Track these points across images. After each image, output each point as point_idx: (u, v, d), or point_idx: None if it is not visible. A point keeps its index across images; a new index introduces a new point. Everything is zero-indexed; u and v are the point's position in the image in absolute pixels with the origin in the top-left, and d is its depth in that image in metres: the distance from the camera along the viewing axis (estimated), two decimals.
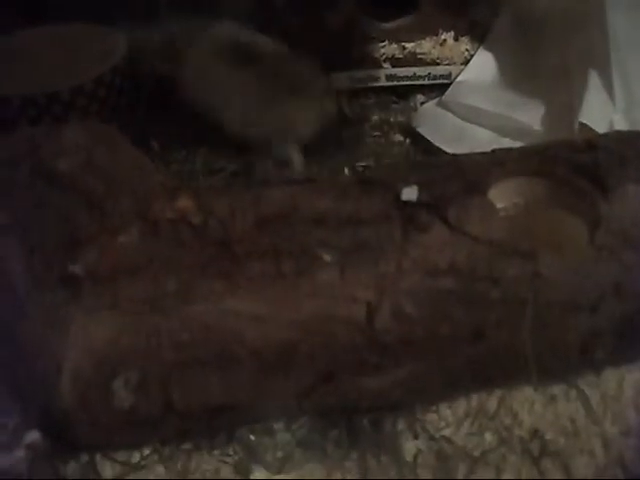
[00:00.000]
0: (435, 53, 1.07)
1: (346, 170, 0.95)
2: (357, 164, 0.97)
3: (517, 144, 0.98)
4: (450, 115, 1.02)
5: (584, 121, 0.93)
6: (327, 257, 0.60)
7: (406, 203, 0.64)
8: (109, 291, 0.57)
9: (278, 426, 0.64)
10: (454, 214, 0.62)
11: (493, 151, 0.72)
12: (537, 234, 0.70)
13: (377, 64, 1.06)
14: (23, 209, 0.66)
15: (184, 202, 0.62)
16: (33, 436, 0.61)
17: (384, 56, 1.06)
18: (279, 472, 0.61)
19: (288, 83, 0.93)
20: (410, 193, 0.64)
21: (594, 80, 0.96)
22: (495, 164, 0.68)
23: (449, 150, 0.98)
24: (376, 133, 1.02)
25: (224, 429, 0.63)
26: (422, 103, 1.07)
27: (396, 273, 0.60)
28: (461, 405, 0.66)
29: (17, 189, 0.68)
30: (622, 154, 0.71)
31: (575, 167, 0.69)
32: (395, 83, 1.06)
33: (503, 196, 0.71)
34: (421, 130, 1.00)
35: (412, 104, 1.07)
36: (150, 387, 0.57)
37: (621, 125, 0.95)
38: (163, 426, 0.60)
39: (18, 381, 0.60)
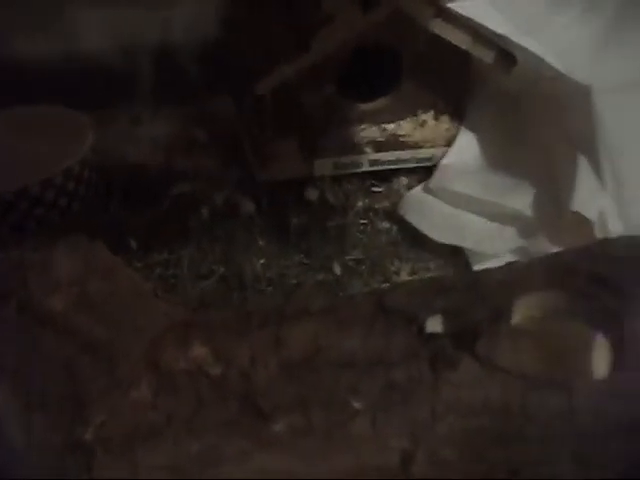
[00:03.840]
0: (416, 134, 1.05)
1: (336, 266, 0.92)
2: (347, 258, 0.94)
3: (507, 229, 0.97)
4: (437, 201, 1.00)
5: (575, 208, 0.91)
6: (357, 404, 0.56)
7: (432, 335, 0.60)
8: (125, 459, 0.53)
9: None
10: (483, 347, 0.59)
11: (510, 265, 0.69)
12: (557, 352, 0.68)
13: (359, 148, 1.02)
14: (12, 354, 0.60)
15: (199, 350, 0.58)
16: None
17: (365, 139, 1.03)
18: None
19: None
20: (434, 324, 0.60)
21: (582, 164, 0.94)
22: (516, 282, 0.65)
23: (437, 238, 0.95)
24: (362, 221, 0.99)
25: None
26: (405, 186, 1.04)
27: (429, 417, 0.56)
28: None
29: (3, 329, 0.62)
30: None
31: (595, 280, 0.67)
32: (378, 168, 1.03)
33: (523, 311, 0.69)
34: (408, 218, 0.98)
35: (395, 187, 1.04)
36: None
37: (611, 208, 0.94)
38: None
39: None
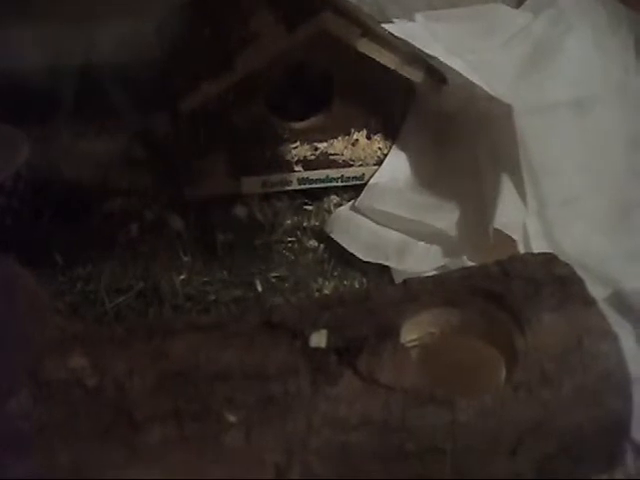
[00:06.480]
0: (347, 153, 1.05)
1: (258, 283, 0.92)
2: (270, 275, 0.94)
3: (432, 247, 0.97)
4: (364, 220, 1.00)
5: (498, 226, 0.91)
6: (232, 417, 0.56)
7: (315, 350, 0.60)
8: None
9: None
10: (365, 363, 0.59)
11: (405, 282, 0.69)
12: (452, 368, 0.68)
13: (289, 166, 1.03)
14: None
15: (78, 360, 0.58)
16: None
17: (296, 158, 1.03)
18: None
19: None
20: (319, 339, 0.61)
21: (506, 183, 0.95)
22: (408, 299, 0.66)
23: (363, 256, 0.96)
24: (289, 239, 0.99)
25: None
26: (335, 204, 1.04)
27: (305, 431, 0.56)
28: None
29: None
30: (536, 280, 0.69)
31: (490, 297, 0.67)
32: (307, 186, 1.03)
33: (417, 327, 0.69)
34: (335, 236, 0.98)
35: (326, 206, 1.04)
36: None
37: (534, 227, 0.95)
38: None
39: None
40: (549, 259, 0.72)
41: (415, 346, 0.67)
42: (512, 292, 0.68)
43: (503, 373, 0.67)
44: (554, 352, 0.65)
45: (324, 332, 0.62)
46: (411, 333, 0.67)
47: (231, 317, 0.66)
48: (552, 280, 0.70)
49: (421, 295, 0.68)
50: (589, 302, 0.67)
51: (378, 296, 0.67)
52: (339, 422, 0.58)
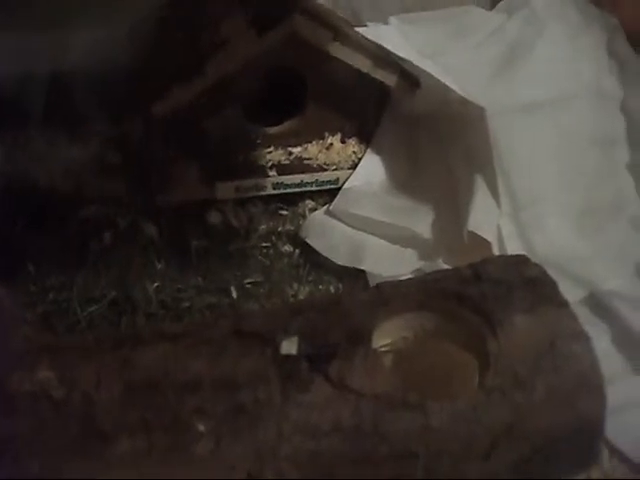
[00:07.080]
0: (322, 157, 1.05)
1: (233, 289, 0.91)
2: (245, 281, 0.94)
3: (407, 250, 0.97)
4: (339, 224, 1.00)
5: (472, 229, 0.91)
6: (202, 427, 0.55)
7: (286, 357, 0.60)
8: None
9: None
10: (336, 369, 0.59)
11: (377, 286, 0.69)
12: (426, 372, 0.68)
13: (263, 171, 1.02)
14: None
15: (44, 372, 0.57)
16: None
17: (270, 162, 1.03)
18: None
19: None
20: (289, 347, 0.60)
21: (479, 185, 0.95)
22: (380, 303, 0.65)
23: (338, 260, 0.95)
24: (264, 244, 0.99)
25: None
26: (310, 209, 1.04)
27: (275, 439, 0.56)
28: None
29: None
30: (508, 282, 0.69)
31: (463, 301, 0.67)
32: (282, 191, 1.03)
33: (390, 332, 0.69)
34: (310, 241, 0.97)
35: (301, 210, 1.04)
36: None
37: (508, 229, 0.94)
38: None
39: None
40: (521, 261, 0.72)
41: (388, 351, 0.67)
42: (484, 295, 0.67)
43: (476, 377, 0.67)
44: (527, 354, 0.65)
45: (295, 339, 0.61)
46: (384, 338, 0.67)
47: (201, 325, 0.65)
48: (524, 282, 0.70)
49: (393, 299, 0.67)
50: (561, 304, 0.67)
51: (350, 301, 0.66)
52: (310, 429, 0.57)
